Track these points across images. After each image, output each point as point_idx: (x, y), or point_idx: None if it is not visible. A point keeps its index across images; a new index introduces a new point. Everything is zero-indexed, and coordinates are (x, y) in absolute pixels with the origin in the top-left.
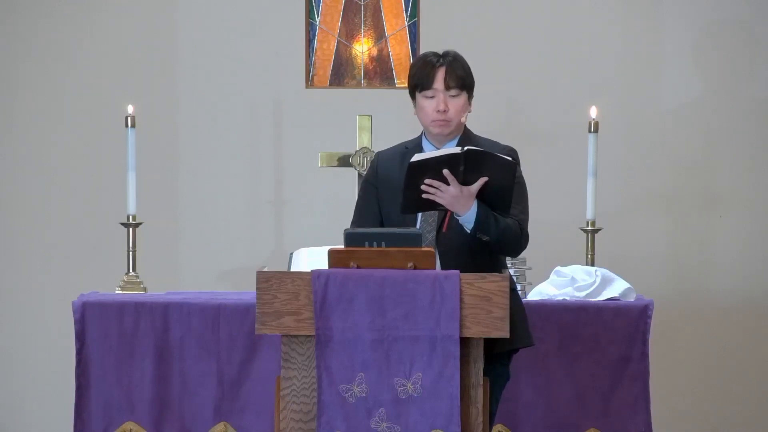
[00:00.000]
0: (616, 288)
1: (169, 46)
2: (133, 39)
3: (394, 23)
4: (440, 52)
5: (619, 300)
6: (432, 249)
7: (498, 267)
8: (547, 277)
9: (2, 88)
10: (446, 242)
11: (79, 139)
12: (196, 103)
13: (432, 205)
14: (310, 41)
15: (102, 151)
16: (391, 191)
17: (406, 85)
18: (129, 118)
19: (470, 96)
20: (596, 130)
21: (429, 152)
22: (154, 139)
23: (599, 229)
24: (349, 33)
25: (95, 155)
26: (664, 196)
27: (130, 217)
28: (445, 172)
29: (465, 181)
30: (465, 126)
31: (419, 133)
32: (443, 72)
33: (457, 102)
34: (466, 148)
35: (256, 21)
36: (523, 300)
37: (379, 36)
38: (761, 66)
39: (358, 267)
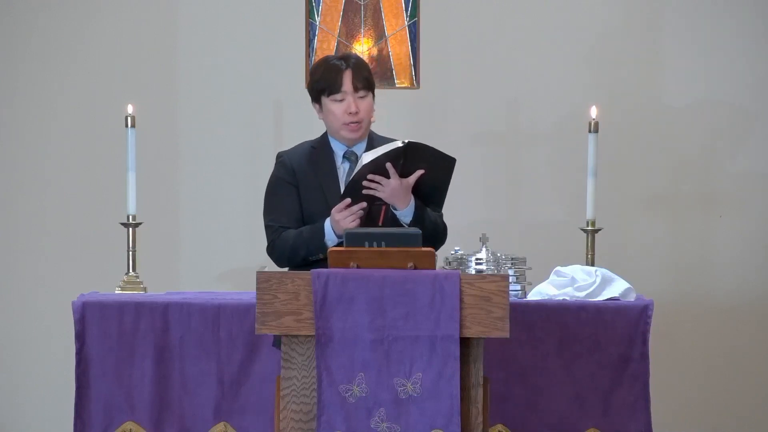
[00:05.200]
0: (616, 288)
1: (169, 46)
2: (133, 39)
3: (394, 23)
4: (338, 55)
5: (619, 300)
6: (432, 249)
7: None
8: (547, 277)
9: (2, 87)
10: None
11: (79, 139)
12: (196, 103)
13: (370, 199)
14: (310, 41)
15: (102, 151)
16: (311, 191)
17: (308, 90)
18: (129, 118)
19: (374, 97)
20: (596, 130)
21: (374, 150)
22: (154, 139)
23: (599, 229)
24: (349, 33)
25: (95, 155)
26: (664, 196)
27: (130, 217)
28: (388, 165)
29: (402, 174)
30: (370, 128)
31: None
32: (350, 74)
33: (365, 103)
34: (407, 141)
35: (257, 21)
36: (523, 300)
37: (379, 36)
38: (762, 65)
39: (358, 267)
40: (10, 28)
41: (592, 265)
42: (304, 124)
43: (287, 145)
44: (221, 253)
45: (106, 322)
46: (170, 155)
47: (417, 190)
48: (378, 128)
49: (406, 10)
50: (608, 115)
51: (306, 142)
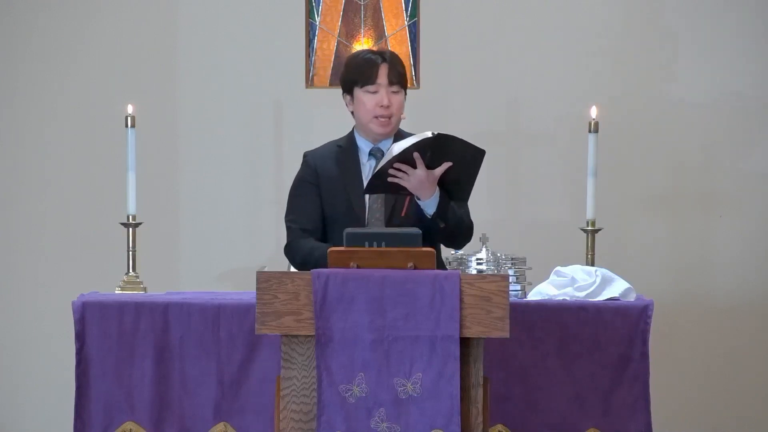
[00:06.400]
0: (616, 288)
1: (169, 46)
2: (133, 39)
3: (394, 23)
4: (373, 49)
5: (619, 300)
6: (432, 249)
7: (439, 259)
8: (547, 277)
9: (2, 87)
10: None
11: (79, 138)
12: (196, 102)
13: (395, 189)
14: (310, 41)
15: (102, 151)
16: (333, 191)
17: (341, 81)
18: (129, 118)
19: (405, 95)
20: (596, 130)
21: (405, 140)
22: (154, 139)
23: (599, 229)
24: (349, 33)
25: (95, 155)
26: (664, 196)
27: (130, 217)
28: (416, 155)
29: (429, 165)
30: (399, 126)
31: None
32: (386, 68)
33: (398, 98)
34: (437, 132)
35: (256, 21)
36: (523, 300)
37: (379, 36)
38: (762, 65)
39: (358, 267)
40: (10, 28)
41: (592, 265)
42: (304, 124)
43: (287, 144)
44: (221, 253)
45: (106, 322)
46: (170, 155)
47: (443, 182)
48: None
49: (406, 10)
50: (608, 115)
51: (333, 141)
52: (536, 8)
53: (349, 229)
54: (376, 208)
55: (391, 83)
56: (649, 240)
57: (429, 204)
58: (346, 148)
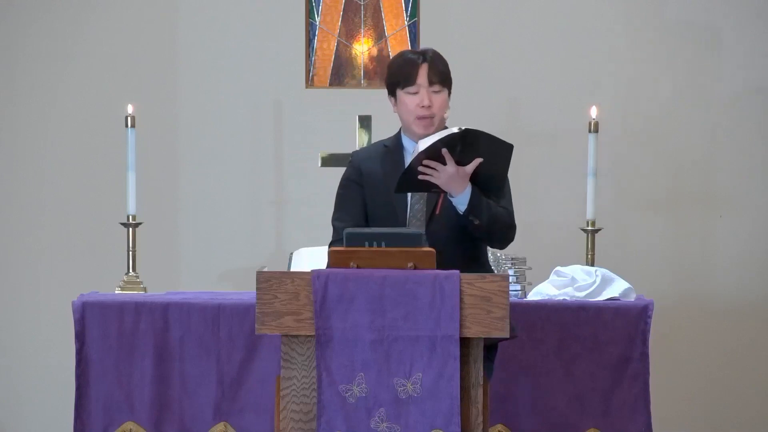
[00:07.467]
0: (616, 288)
1: (169, 46)
2: (133, 39)
3: (394, 23)
4: (416, 49)
5: (619, 300)
6: (432, 249)
7: (482, 260)
8: (547, 277)
9: (1, 87)
10: (436, 229)
11: (79, 138)
12: (196, 103)
13: (426, 186)
14: (310, 41)
15: (102, 151)
16: (376, 191)
17: (385, 83)
18: (129, 118)
19: (449, 94)
20: (596, 130)
21: (431, 136)
22: (154, 139)
23: (599, 229)
24: (349, 33)
25: (95, 155)
26: (664, 196)
27: (130, 217)
28: (444, 151)
29: (459, 162)
30: (444, 124)
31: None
32: (426, 68)
33: (439, 98)
34: (464, 128)
35: (256, 21)
36: (523, 300)
37: (379, 36)
38: (763, 65)
39: (358, 267)
40: (10, 28)
41: (592, 265)
42: (304, 124)
43: (287, 144)
44: (221, 253)
45: (106, 322)
46: (170, 155)
47: (475, 179)
48: (378, 128)
49: (406, 10)
50: (608, 115)
51: (381, 141)
52: (536, 8)
53: (348, 229)
54: (418, 208)
55: (431, 83)
56: (649, 240)
57: (460, 200)
58: (392, 148)
